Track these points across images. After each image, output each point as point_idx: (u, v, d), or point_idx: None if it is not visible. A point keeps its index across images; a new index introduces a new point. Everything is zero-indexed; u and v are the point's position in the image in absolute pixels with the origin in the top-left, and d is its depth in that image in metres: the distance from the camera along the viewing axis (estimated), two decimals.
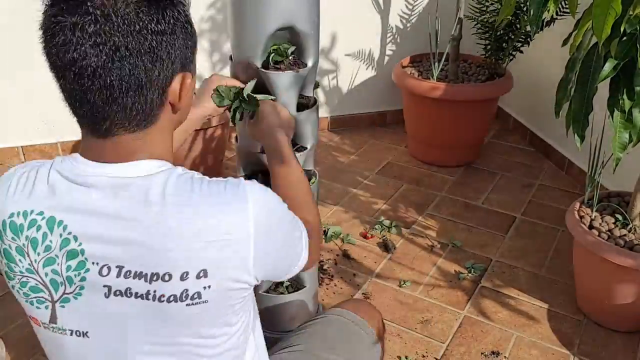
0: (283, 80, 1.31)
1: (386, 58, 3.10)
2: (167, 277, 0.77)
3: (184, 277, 0.78)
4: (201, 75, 2.73)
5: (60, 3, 0.74)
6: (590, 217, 1.81)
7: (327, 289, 1.97)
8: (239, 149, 1.48)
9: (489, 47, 2.70)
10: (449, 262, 2.12)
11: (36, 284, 0.82)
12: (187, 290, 0.78)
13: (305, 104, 1.43)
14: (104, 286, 0.79)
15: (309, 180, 1.52)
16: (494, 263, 2.12)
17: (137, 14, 0.73)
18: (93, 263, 0.79)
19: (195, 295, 0.79)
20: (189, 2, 0.82)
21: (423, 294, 1.96)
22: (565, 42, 1.58)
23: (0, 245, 0.82)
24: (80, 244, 0.79)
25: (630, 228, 1.74)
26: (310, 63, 1.34)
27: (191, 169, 2.33)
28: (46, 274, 0.81)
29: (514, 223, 2.35)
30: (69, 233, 0.79)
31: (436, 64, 2.67)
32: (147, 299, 0.79)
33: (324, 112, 3.08)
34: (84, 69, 0.74)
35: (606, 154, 1.82)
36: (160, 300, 0.78)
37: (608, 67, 1.39)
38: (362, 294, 1.96)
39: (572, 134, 1.60)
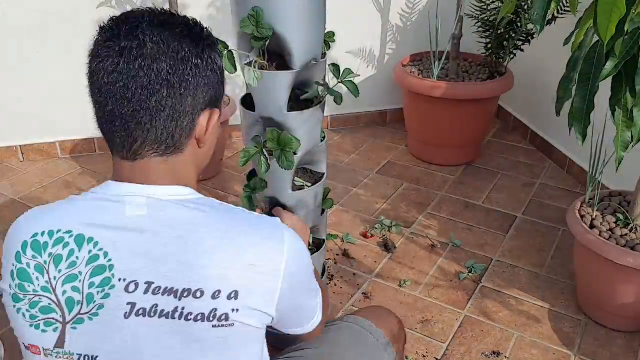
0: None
1: (386, 57, 3.09)
2: (198, 294, 0.78)
3: (215, 295, 0.78)
4: None
5: (113, 29, 0.81)
6: (591, 216, 1.80)
7: (327, 288, 1.96)
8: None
9: (489, 45, 2.69)
10: (449, 262, 2.11)
11: (49, 304, 0.80)
12: (215, 310, 0.78)
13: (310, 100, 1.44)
14: (128, 304, 0.78)
15: (320, 180, 1.53)
16: (494, 263, 2.11)
17: (182, 45, 0.80)
18: (120, 280, 0.78)
19: (223, 317, 0.79)
20: (221, 55, 0.90)
21: (423, 294, 1.95)
22: (567, 41, 1.57)
23: (15, 266, 0.82)
24: (109, 260, 0.79)
25: (632, 227, 1.73)
26: (296, 67, 1.34)
27: None
28: (64, 292, 0.80)
29: (514, 222, 2.35)
30: (100, 249, 0.79)
31: (437, 62, 2.66)
32: (173, 317, 0.78)
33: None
34: (126, 90, 0.79)
35: (607, 153, 1.81)
36: (186, 319, 0.78)
37: (610, 65, 1.38)
38: (362, 293, 1.95)
39: (574, 133, 1.60)
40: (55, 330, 0.81)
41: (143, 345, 0.79)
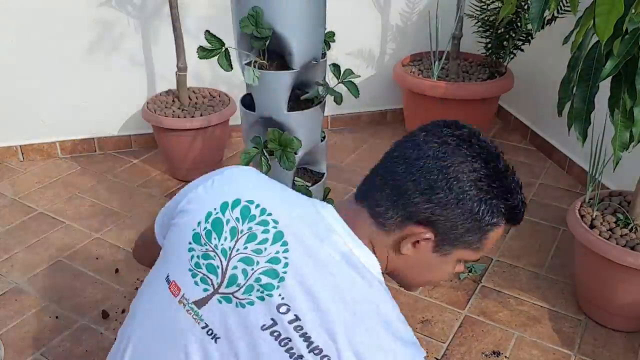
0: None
1: (386, 57, 3.09)
2: (325, 358, 0.77)
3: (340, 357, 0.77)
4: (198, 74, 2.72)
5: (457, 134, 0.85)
6: (591, 216, 1.80)
7: None
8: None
9: (489, 45, 2.69)
10: None
11: (217, 266, 0.82)
12: None
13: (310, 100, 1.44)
14: (271, 319, 0.79)
15: (320, 180, 1.54)
16: (494, 262, 2.11)
17: (476, 181, 0.81)
18: (279, 295, 0.79)
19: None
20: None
21: (423, 294, 1.95)
22: (565, 41, 1.57)
23: (215, 212, 0.85)
24: (285, 272, 0.80)
25: (632, 227, 1.73)
26: (296, 67, 1.34)
27: (191, 167, 2.36)
28: (234, 267, 0.81)
29: None
30: (285, 256, 0.81)
31: (437, 62, 2.66)
32: (294, 357, 0.78)
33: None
34: (401, 165, 0.86)
35: (607, 153, 1.81)
36: None
37: (610, 65, 1.38)
38: None
39: (573, 133, 1.60)
40: (205, 290, 0.82)
41: (257, 354, 0.79)
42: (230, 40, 1.36)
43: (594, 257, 1.71)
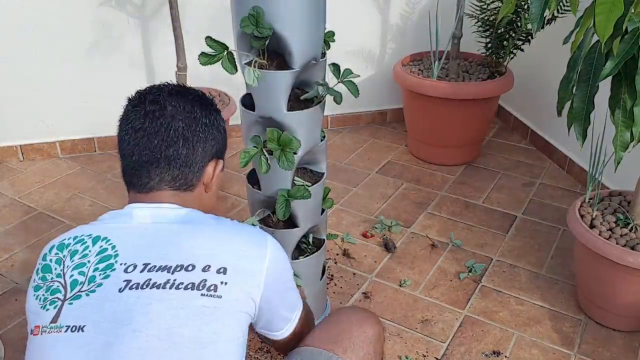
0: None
1: (386, 56, 3.09)
2: (190, 268, 0.91)
3: (205, 269, 0.91)
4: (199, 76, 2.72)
5: (139, 98, 1.03)
6: (591, 216, 1.80)
7: (327, 288, 1.96)
8: (254, 196, 1.54)
9: (489, 45, 2.69)
10: (449, 262, 2.11)
11: (57, 286, 0.93)
12: (205, 280, 0.90)
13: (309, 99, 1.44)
14: (124, 280, 0.90)
15: (320, 180, 1.54)
16: (494, 262, 2.11)
17: (194, 108, 1.04)
18: (121, 264, 0.92)
19: (212, 287, 0.90)
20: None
21: (423, 294, 1.95)
22: (565, 41, 1.57)
23: (40, 265, 0.97)
24: (116, 251, 0.94)
25: (632, 227, 1.73)
26: (296, 66, 1.34)
27: None
28: (71, 276, 0.93)
29: (514, 222, 2.35)
30: (109, 243, 0.95)
31: (437, 62, 2.66)
32: (164, 287, 0.89)
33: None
34: (149, 142, 1.00)
35: (607, 153, 1.81)
36: (177, 288, 0.89)
37: (609, 65, 1.38)
38: (362, 293, 1.95)
39: (573, 133, 1.60)
40: (55, 307, 0.91)
41: (132, 313, 0.88)
42: (231, 40, 1.36)
43: (594, 257, 1.71)
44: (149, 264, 0.91)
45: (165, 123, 1.00)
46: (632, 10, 1.22)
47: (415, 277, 2.03)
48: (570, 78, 1.55)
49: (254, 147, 1.39)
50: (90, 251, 0.94)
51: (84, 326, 0.88)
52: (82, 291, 0.91)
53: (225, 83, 2.71)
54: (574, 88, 1.55)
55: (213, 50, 1.29)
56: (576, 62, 1.53)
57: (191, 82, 2.60)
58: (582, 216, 1.79)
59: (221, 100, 2.61)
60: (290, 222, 1.54)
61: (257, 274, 0.96)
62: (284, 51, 1.33)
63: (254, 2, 1.25)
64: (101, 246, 0.94)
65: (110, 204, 2.42)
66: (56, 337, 0.89)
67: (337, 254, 2.14)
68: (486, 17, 2.63)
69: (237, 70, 1.32)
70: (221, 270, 0.92)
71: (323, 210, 1.63)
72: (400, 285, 1.99)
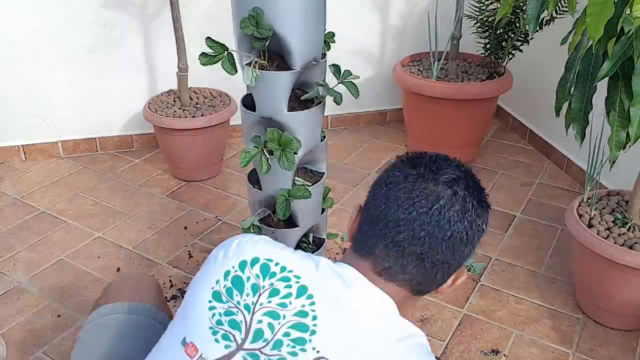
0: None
1: (386, 57, 3.10)
2: None
3: None
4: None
5: (430, 171, 0.84)
6: (589, 215, 1.81)
7: None
8: (254, 195, 1.53)
9: (488, 46, 2.70)
10: None
11: (240, 322, 0.80)
12: None
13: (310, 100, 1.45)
14: None
15: (320, 179, 1.55)
16: (493, 261, 2.12)
17: (478, 211, 0.85)
18: (313, 349, 0.77)
19: None
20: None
21: None
22: (563, 42, 1.59)
23: (234, 270, 0.84)
24: (315, 325, 0.78)
25: (630, 226, 1.74)
26: (297, 67, 1.35)
27: (192, 167, 2.37)
28: (260, 321, 0.79)
29: (513, 222, 2.36)
30: (312, 309, 0.79)
31: (436, 62, 2.68)
32: None
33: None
34: (428, 235, 0.82)
35: (605, 153, 1.82)
36: None
37: (606, 66, 1.39)
38: None
39: (572, 133, 1.61)
40: (227, 347, 0.79)
41: None
42: (231, 40, 1.37)
43: (592, 256, 1.72)
44: None
45: (454, 220, 0.82)
46: (627, 11, 1.24)
47: None
48: (568, 79, 1.56)
49: (255, 147, 1.41)
50: (290, 303, 0.79)
51: None
52: (262, 352, 0.78)
53: (226, 83, 2.72)
54: (572, 89, 1.56)
55: (213, 51, 1.31)
56: (573, 63, 1.54)
57: (192, 82, 2.62)
58: (580, 216, 1.80)
59: (222, 101, 2.62)
60: (291, 222, 1.56)
61: None
62: (284, 52, 1.34)
63: (254, 3, 1.27)
64: (303, 305, 0.79)
65: (112, 204, 2.43)
66: None
67: (337, 253, 2.15)
68: (485, 18, 2.64)
69: (236, 71, 1.33)
70: None
71: (323, 210, 1.64)
72: None
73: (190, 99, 2.60)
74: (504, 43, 2.66)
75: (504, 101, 3.17)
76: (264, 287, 0.81)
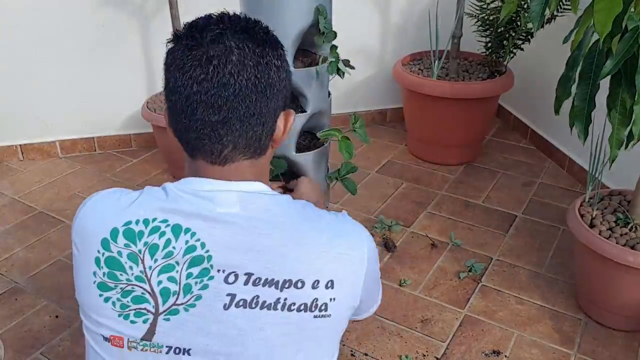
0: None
1: (386, 56, 3.09)
2: (299, 284, 0.79)
3: (315, 285, 0.79)
4: None
5: (195, 37, 0.80)
6: (591, 215, 1.80)
7: None
8: None
9: (489, 44, 2.69)
10: (449, 261, 2.11)
11: (142, 294, 0.79)
12: (317, 299, 0.80)
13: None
14: (228, 294, 0.77)
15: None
16: (494, 262, 2.11)
17: (264, 49, 0.81)
18: (219, 270, 0.77)
19: (323, 307, 0.80)
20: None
21: (423, 293, 1.95)
22: (565, 40, 1.57)
23: (101, 254, 0.80)
24: (207, 251, 0.78)
25: (632, 227, 1.73)
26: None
27: None
28: (159, 282, 0.78)
29: (514, 222, 2.35)
30: (197, 240, 0.78)
31: (437, 61, 2.66)
32: (276, 308, 0.78)
33: None
34: (217, 97, 0.78)
35: (607, 153, 1.81)
36: (289, 310, 0.78)
37: (610, 64, 1.38)
38: None
39: (574, 131, 1.60)
40: (145, 321, 0.79)
41: (244, 339, 0.78)
42: None
43: (593, 257, 1.71)
44: (252, 274, 0.77)
45: (235, 71, 0.78)
46: (632, 9, 1.22)
47: (415, 276, 2.03)
48: (569, 77, 1.55)
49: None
50: (174, 248, 0.78)
51: (189, 350, 0.78)
52: (178, 304, 0.78)
53: None
54: (575, 87, 1.55)
55: None
56: (575, 61, 1.53)
57: None
58: (582, 215, 1.79)
59: None
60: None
61: (359, 282, 0.85)
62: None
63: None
64: (187, 241, 0.78)
65: None
66: (156, 357, 0.79)
67: None
68: (486, 17, 2.63)
69: None
70: (329, 284, 0.80)
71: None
72: (400, 285, 1.98)
73: None
74: (505, 42, 2.64)
75: (505, 100, 3.16)
76: (140, 250, 0.79)
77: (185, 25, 0.84)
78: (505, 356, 1.72)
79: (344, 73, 1.40)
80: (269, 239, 0.79)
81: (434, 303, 1.91)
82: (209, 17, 0.84)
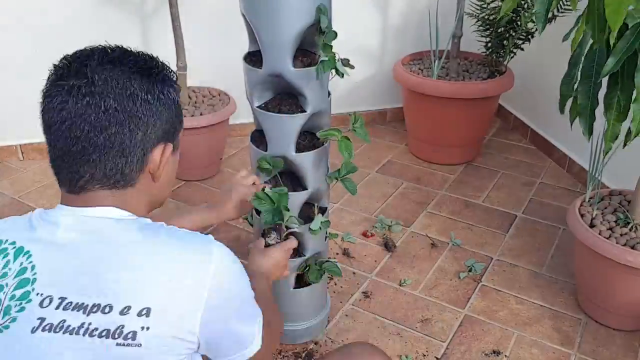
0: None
1: (386, 56, 3.09)
2: (107, 309, 0.77)
3: (124, 311, 0.77)
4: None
5: (64, 68, 0.85)
6: (591, 215, 1.79)
7: (327, 287, 1.96)
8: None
9: (489, 44, 2.69)
10: (449, 261, 2.11)
11: None
12: (122, 327, 0.76)
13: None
14: (38, 318, 0.77)
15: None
16: (494, 262, 2.11)
17: (131, 82, 0.83)
18: (38, 294, 0.78)
19: (130, 335, 0.76)
20: (179, 88, 0.92)
21: (423, 293, 1.95)
22: (565, 38, 1.57)
23: None
24: (34, 273, 0.79)
25: (632, 226, 1.73)
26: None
27: (191, 166, 2.36)
28: None
29: (514, 221, 2.34)
30: (30, 262, 0.80)
31: (437, 61, 2.66)
32: (77, 333, 0.76)
33: None
34: (74, 128, 0.80)
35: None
36: (91, 335, 0.76)
37: (611, 62, 1.38)
38: (362, 292, 1.95)
39: (575, 131, 1.60)
40: None
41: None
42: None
43: (594, 256, 1.71)
44: (66, 298, 0.77)
45: (92, 102, 0.79)
46: (634, 6, 1.22)
47: (415, 276, 2.03)
48: (572, 75, 1.55)
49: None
50: (10, 269, 0.80)
51: None
52: None
53: (225, 82, 2.71)
54: (577, 85, 1.55)
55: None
56: (577, 60, 1.53)
57: (191, 82, 2.60)
58: (582, 215, 1.79)
59: (221, 100, 2.60)
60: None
61: (193, 315, 0.80)
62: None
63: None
64: (21, 264, 0.80)
65: None
66: None
67: (337, 253, 2.14)
68: (486, 16, 2.63)
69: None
70: (144, 312, 0.76)
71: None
72: (400, 285, 1.98)
73: (189, 98, 2.59)
74: (505, 41, 2.64)
75: (505, 100, 3.16)
76: None
77: (64, 56, 0.89)
78: (505, 356, 1.71)
79: (343, 73, 1.40)
80: (99, 262, 0.79)
81: (434, 303, 1.91)
82: (84, 50, 0.89)
